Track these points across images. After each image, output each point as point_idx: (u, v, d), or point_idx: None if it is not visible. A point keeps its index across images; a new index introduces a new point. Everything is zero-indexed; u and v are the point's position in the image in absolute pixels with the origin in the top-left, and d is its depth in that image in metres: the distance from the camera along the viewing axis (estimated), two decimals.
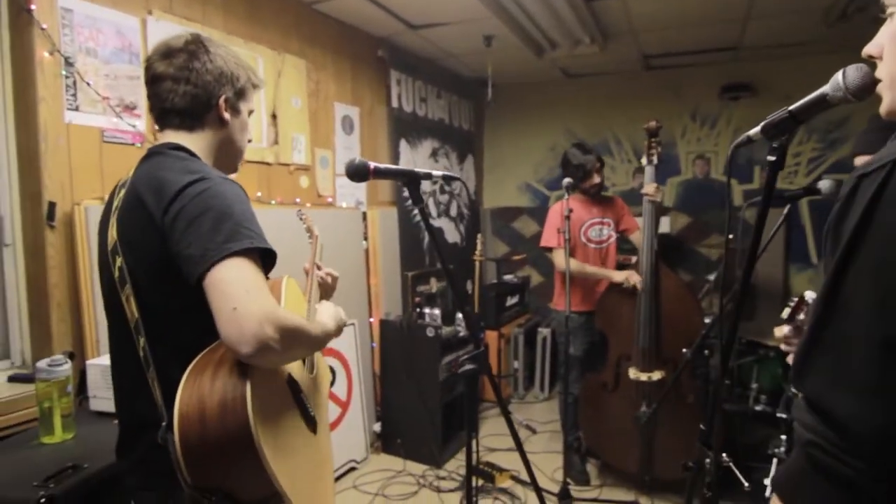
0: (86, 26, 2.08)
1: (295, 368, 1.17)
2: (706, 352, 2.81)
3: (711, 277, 3.66)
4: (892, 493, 0.77)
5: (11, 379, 1.93)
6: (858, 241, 0.81)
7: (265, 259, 1.00)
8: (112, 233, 1.06)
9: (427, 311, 3.57)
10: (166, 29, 2.31)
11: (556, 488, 2.77)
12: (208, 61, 1.11)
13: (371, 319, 3.60)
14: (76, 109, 2.06)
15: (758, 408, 3.05)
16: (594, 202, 3.19)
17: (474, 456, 1.59)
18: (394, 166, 1.36)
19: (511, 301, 4.59)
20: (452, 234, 4.70)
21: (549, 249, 3.17)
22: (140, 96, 2.26)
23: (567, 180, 2.78)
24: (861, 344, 0.80)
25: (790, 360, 1.33)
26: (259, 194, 2.84)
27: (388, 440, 3.47)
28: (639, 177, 4.76)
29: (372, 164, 1.31)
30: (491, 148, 5.41)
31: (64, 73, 2.01)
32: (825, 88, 0.90)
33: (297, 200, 3.07)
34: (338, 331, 1.20)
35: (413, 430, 3.36)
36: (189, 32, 1.16)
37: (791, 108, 0.95)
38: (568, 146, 3.25)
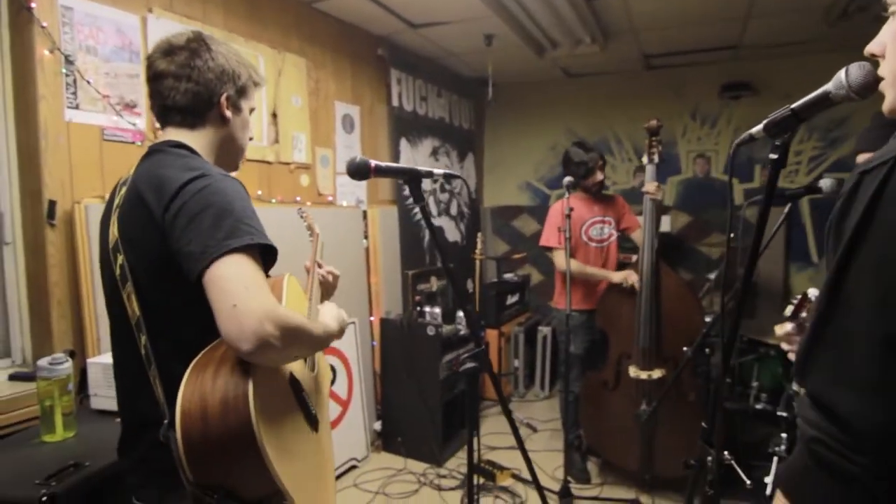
0: (86, 24, 2.08)
1: (296, 367, 1.16)
2: (707, 350, 2.81)
3: (712, 276, 3.66)
4: (893, 490, 0.77)
5: (12, 377, 1.93)
6: (860, 239, 0.82)
7: (266, 256, 1.00)
8: (113, 230, 1.06)
9: (427, 309, 3.57)
10: (166, 27, 2.31)
11: (556, 486, 2.78)
12: (210, 59, 1.11)
13: (371, 318, 3.60)
14: (76, 108, 2.05)
15: (758, 406, 3.05)
16: (595, 201, 3.19)
17: (475, 454, 1.59)
18: (395, 164, 1.37)
19: (511, 300, 4.59)
20: (453, 233, 4.71)
21: (550, 249, 3.16)
22: (140, 94, 2.25)
23: (568, 179, 2.78)
24: (862, 341, 0.81)
25: (791, 357, 1.33)
26: (259, 193, 2.84)
27: (388, 439, 3.47)
28: (639, 176, 4.76)
29: (373, 163, 1.31)
30: (491, 147, 5.41)
31: (64, 71, 2.01)
32: (828, 86, 0.90)
33: (298, 199, 3.07)
34: (340, 332, 1.19)
35: (414, 428, 3.36)
36: (191, 30, 1.16)
37: (793, 105, 0.95)
38: (568, 145, 3.25)
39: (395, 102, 3.94)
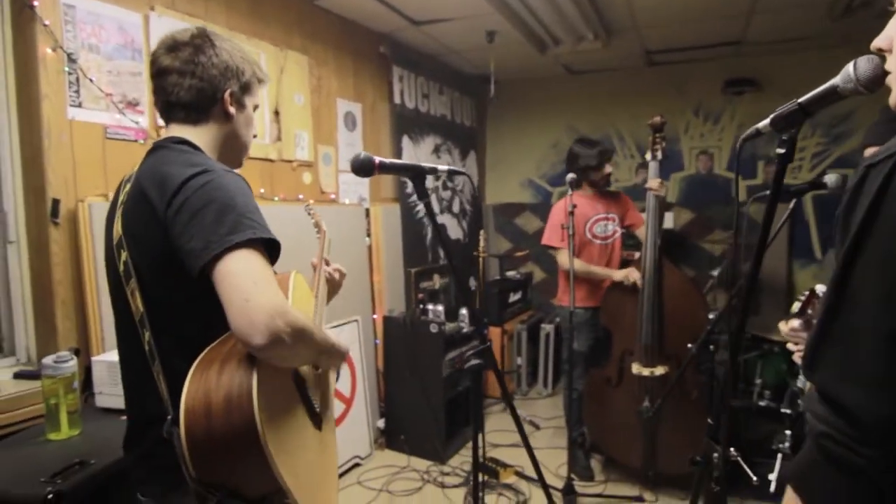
0: (88, 22, 2.08)
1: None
2: (711, 347, 2.81)
3: (715, 273, 3.65)
4: None
5: (17, 376, 1.94)
6: (865, 234, 0.81)
7: (270, 251, 1.00)
8: (117, 227, 1.06)
9: (430, 307, 3.57)
10: (168, 25, 2.31)
11: (560, 484, 2.77)
12: (214, 55, 1.11)
13: (374, 316, 3.60)
14: (79, 106, 2.05)
15: (762, 403, 3.05)
16: (599, 197, 3.18)
17: (479, 452, 1.58)
18: (399, 161, 1.36)
19: (514, 297, 4.59)
20: (455, 231, 4.70)
21: (553, 248, 3.15)
22: (143, 93, 2.25)
23: (570, 176, 2.76)
24: (868, 336, 0.81)
25: (796, 357, 1.33)
26: (262, 191, 2.84)
27: (391, 436, 3.48)
28: (641, 172, 4.75)
29: (377, 159, 1.31)
30: (493, 144, 5.40)
31: (67, 69, 2.01)
32: (836, 80, 0.89)
33: (300, 197, 3.07)
34: (338, 352, 1.16)
35: (417, 426, 3.37)
36: (195, 26, 1.15)
37: (801, 100, 0.95)
38: (570, 143, 3.24)
39: (398, 100, 3.94)
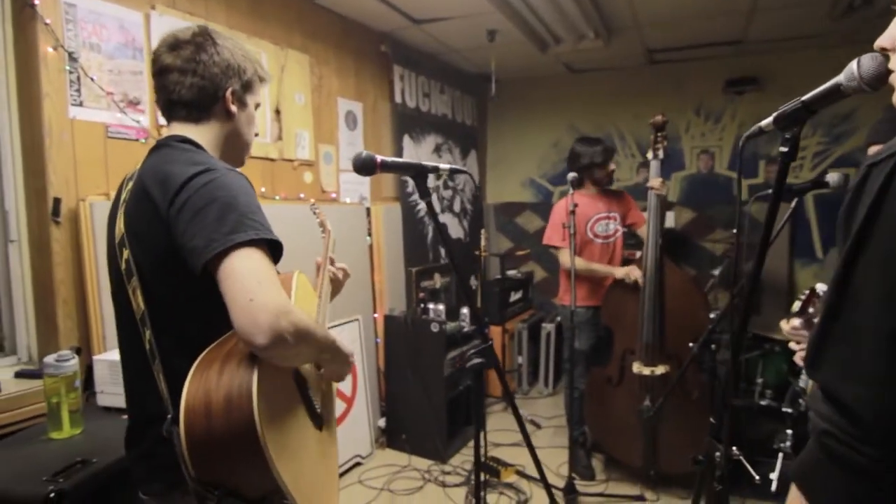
0: (89, 21, 2.08)
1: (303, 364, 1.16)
2: (713, 346, 2.80)
3: (716, 272, 3.65)
4: None
5: (18, 375, 1.94)
6: (867, 233, 0.82)
7: (272, 251, 1.00)
8: (119, 225, 1.06)
9: (431, 306, 3.57)
10: (169, 24, 2.31)
11: (561, 483, 2.78)
12: (215, 53, 1.11)
13: (375, 315, 3.60)
14: (80, 105, 2.05)
15: (763, 402, 3.05)
16: (600, 196, 3.18)
17: (481, 451, 1.58)
18: (401, 159, 1.36)
19: (515, 296, 4.59)
20: (456, 230, 4.70)
21: (555, 247, 3.15)
22: (144, 91, 2.25)
23: (571, 175, 2.76)
24: (870, 335, 0.81)
25: (797, 358, 1.33)
26: (263, 190, 2.84)
27: (392, 435, 3.48)
28: (642, 172, 4.75)
29: (379, 158, 1.31)
30: (494, 143, 5.40)
31: (68, 68, 2.01)
32: (839, 78, 0.89)
33: (301, 196, 3.07)
34: (343, 355, 1.15)
35: (418, 425, 3.37)
36: (197, 25, 1.15)
37: (804, 98, 0.95)
38: (571, 142, 3.24)
39: (398, 99, 3.93)
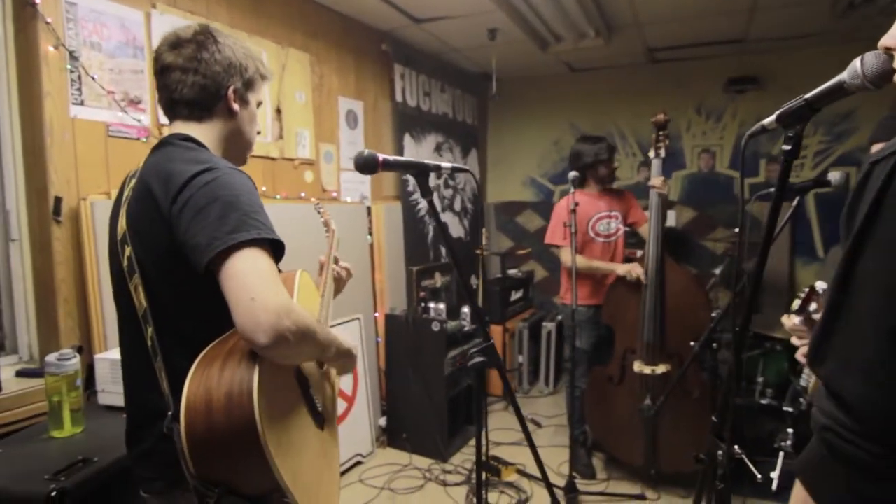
0: (90, 20, 2.08)
1: (305, 363, 1.16)
2: (714, 345, 2.80)
3: (717, 271, 3.65)
4: None
5: (19, 374, 1.94)
6: (869, 230, 0.82)
7: (274, 250, 1.00)
8: (122, 223, 1.06)
9: (432, 305, 3.57)
10: (170, 23, 2.31)
11: (562, 482, 2.78)
12: (217, 52, 1.11)
13: (376, 314, 3.60)
14: (81, 104, 2.05)
15: (763, 401, 3.05)
16: (602, 195, 3.18)
17: (482, 449, 1.58)
18: (403, 158, 1.36)
19: (515, 296, 4.59)
20: (456, 229, 4.70)
21: (556, 246, 3.15)
22: (145, 90, 2.25)
23: (573, 174, 2.76)
24: (870, 332, 0.82)
25: (798, 355, 1.33)
26: (264, 189, 2.84)
27: (393, 434, 3.48)
28: (643, 171, 4.74)
29: (381, 156, 1.31)
30: (495, 142, 5.40)
31: (69, 67, 2.01)
32: (842, 76, 0.89)
33: (302, 195, 3.07)
34: (347, 352, 1.16)
35: (419, 424, 3.37)
36: (198, 23, 1.15)
37: (807, 96, 0.95)
38: (572, 140, 3.24)
39: (399, 98, 3.93)
